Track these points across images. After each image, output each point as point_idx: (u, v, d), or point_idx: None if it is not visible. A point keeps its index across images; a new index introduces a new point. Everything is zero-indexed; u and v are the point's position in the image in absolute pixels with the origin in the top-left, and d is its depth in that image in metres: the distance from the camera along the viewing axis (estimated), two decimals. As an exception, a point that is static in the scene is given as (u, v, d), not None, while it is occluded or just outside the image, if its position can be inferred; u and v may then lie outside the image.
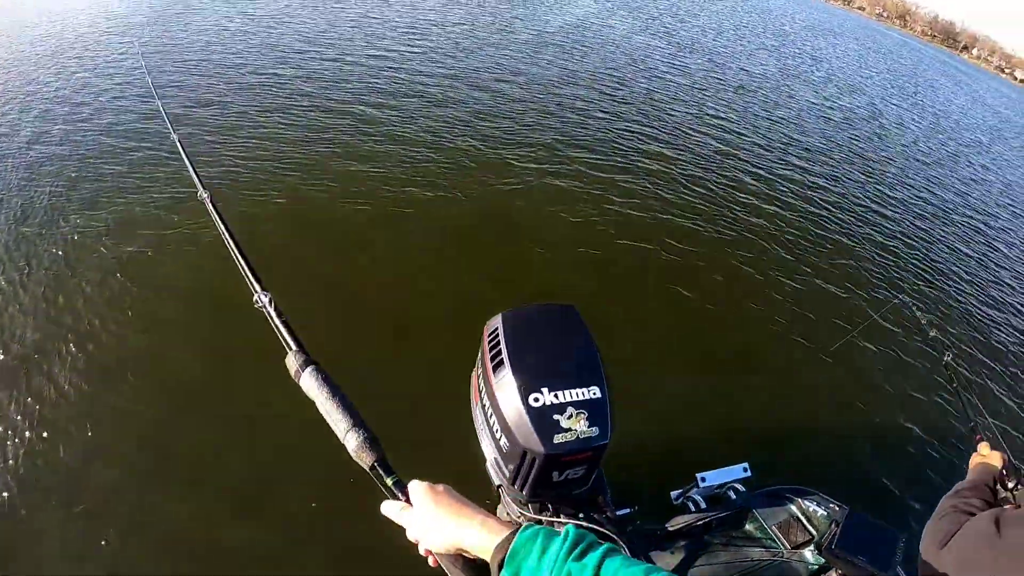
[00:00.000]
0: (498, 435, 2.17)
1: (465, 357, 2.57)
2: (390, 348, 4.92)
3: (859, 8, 74.81)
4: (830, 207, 9.34)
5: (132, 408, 4.19)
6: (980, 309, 7.38)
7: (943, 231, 9.64)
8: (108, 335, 4.67)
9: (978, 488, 1.65)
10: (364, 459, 1.43)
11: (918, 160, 13.71)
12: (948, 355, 3.24)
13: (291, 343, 1.70)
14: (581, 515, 2.30)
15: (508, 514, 2.37)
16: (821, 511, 3.01)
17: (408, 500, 1.31)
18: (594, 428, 2.10)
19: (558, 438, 2.06)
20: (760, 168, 10.16)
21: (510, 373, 2.11)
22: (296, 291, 4.88)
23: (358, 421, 1.50)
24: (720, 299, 6.27)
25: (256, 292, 1.86)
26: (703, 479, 2.93)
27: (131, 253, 5.35)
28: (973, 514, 1.46)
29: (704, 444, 4.30)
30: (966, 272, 8.42)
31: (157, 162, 6.60)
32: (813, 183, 10.14)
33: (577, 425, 2.08)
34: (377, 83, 10.19)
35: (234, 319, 4.34)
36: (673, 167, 9.38)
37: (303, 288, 5.10)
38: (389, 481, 1.39)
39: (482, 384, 2.27)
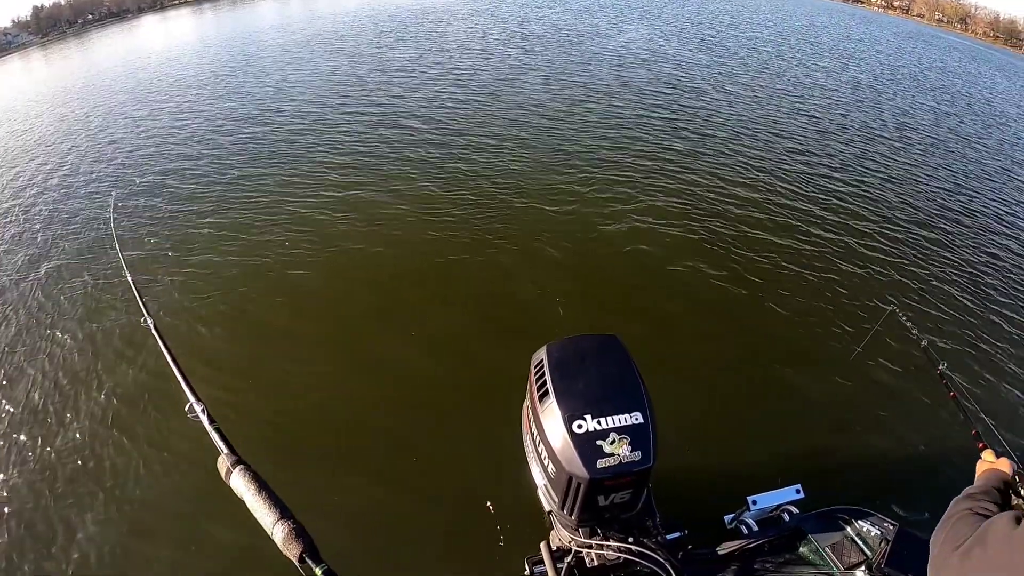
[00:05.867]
0: (546, 462, 2.29)
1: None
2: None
3: (918, 16, 73.76)
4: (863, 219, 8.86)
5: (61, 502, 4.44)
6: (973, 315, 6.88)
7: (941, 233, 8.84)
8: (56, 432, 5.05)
9: (989, 492, 1.66)
10: (292, 550, 1.51)
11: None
12: (942, 365, 3.23)
13: (222, 446, 1.85)
14: (631, 539, 2.38)
15: (560, 539, 2.47)
16: (874, 531, 2.97)
17: None
18: (636, 452, 2.19)
19: (601, 463, 2.16)
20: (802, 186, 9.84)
21: (555, 402, 2.24)
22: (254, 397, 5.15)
23: (285, 514, 1.59)
24: (765, 321, 6.24)
25: (191, 402, 2.05)
26: (754, 501, 2.93)
27: (81, 370, 5.72)
28: (988, 516, 1.45)
29: (755, 466, 4.27)
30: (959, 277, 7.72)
31: (111, 295, 6.91)
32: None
33: (620, 450, 2.18)
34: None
35: (171, 426, 4.75)
36: (702, 191, 9.27)
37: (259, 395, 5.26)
38: (319, 571, 1.46)
39: (530, 413, 2.40)
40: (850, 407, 5.14)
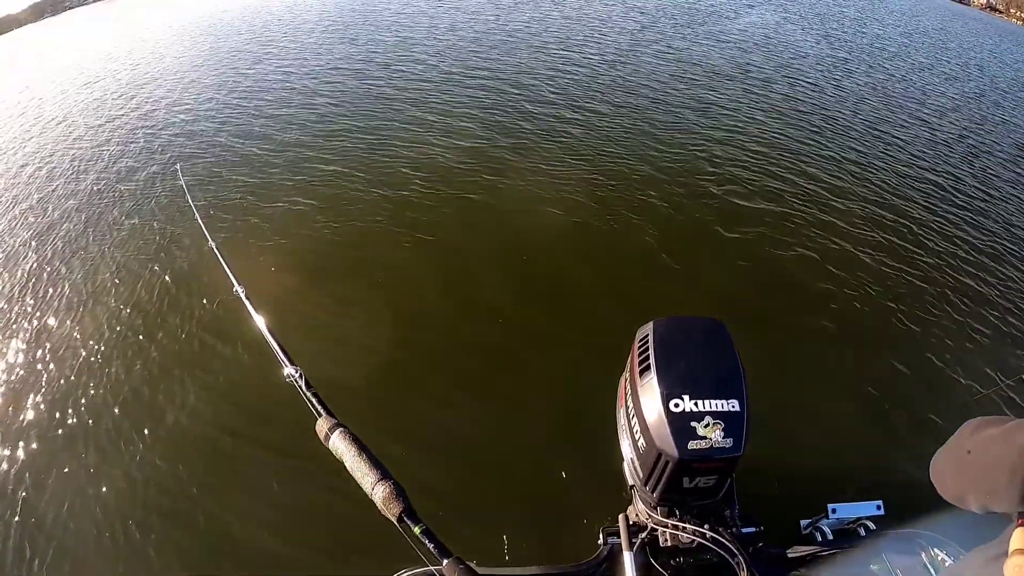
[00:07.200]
0: (637, 436, 2.32)
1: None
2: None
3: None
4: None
5: (170, 470, 4.58)
6: None
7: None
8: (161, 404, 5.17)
9: None
10: (392, 510, 1.57)
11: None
12: None
13: (320, 410, 1.92)
14: (706, 526, 2.39)
15: (637, 514, 2.51)
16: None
17: (437, 549, 1.49)
18: (728, 439, 2.19)
19: (692, 444, 2.17)
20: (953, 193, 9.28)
21: (655, 377, 2.26)
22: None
23: (385, 475, 1.65)
24: (879, 329, 5.95)
25: (286, 366, 2.12)
26: (834, 510, 2.87)
27: (179, 344, 5.78)
28: None
29: (839, 476, 4.14)
30: None
31: (196, 263, 6.78)
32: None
33: (712, 434, 2.18)
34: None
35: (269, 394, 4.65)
36: (847, 188, 8.89)
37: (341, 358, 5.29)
38: (417, 530, 1.52)
39: (628, 387, 2.43)
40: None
